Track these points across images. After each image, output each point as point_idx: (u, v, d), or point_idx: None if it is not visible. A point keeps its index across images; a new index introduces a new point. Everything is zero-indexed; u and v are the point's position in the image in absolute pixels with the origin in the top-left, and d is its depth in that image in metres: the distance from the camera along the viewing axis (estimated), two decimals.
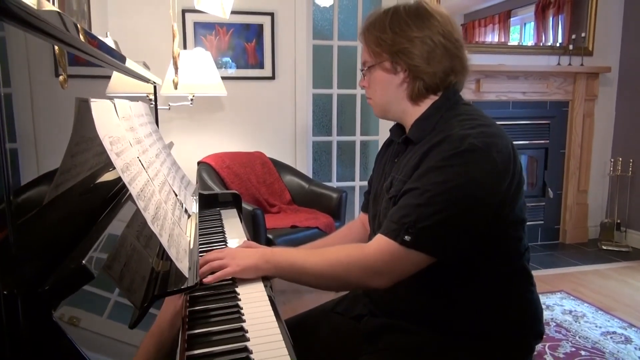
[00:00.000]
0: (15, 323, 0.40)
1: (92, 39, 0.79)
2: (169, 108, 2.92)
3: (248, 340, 0.76)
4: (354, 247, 0.99)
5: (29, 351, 0.41)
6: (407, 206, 0.91)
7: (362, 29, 1.07)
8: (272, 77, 3.23)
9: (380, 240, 0.92)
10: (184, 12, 3.00)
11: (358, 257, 0.94)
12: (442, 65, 0.99)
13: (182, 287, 0.69)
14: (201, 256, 1.16)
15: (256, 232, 2.35)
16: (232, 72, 3.16)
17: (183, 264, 0.73)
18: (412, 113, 1.03)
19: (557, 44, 3.71)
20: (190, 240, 0.94)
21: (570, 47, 3.63)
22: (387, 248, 0.90)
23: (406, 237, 0.88)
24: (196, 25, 3.06)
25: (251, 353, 0.72)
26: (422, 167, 0.92)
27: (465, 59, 1.03)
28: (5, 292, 0.39)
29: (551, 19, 3.71)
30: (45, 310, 0.43)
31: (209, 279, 0.94)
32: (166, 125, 3.03)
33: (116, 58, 1.02)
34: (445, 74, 1.00)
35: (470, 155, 0.88)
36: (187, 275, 0.71)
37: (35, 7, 0.52)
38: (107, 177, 0.85)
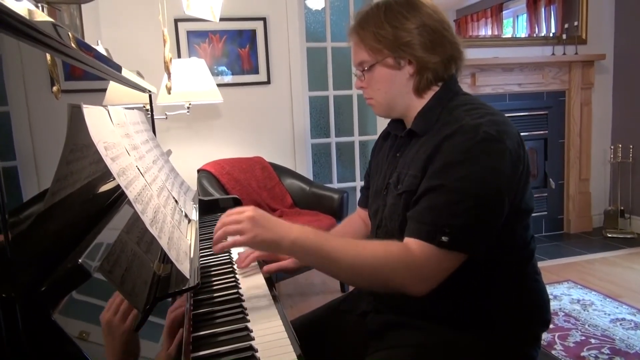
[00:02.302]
0: (14, 324, 0.40)
1: (87, 49, 0.79)
2: (166, 117, 2.93)
3: (253, 339, 0.76)
4: (398, 247, 0.90)
5: (29, 352, 0.41)
6: (437, 206, 0.87)
7: (353, 27, 1.03)
8: (268, 82, 3.24)
9: (421, 244, 0.87)
10: (176, 21, 3.02)
11: (404, 259, 0.88)
12: (444, 52, 0.98)
13: (184, 288, 0.69)
14: (202, 262, 1.16)
15: None
16: (228, 79, 3.17)
17: (184, 266, 0.73)
18: (416, 106, 1.02)
19: (551, 34, 3.71)
20: (190, 244, 0.94)
21: (564, 36, 3.63)
22: (429, 251, 0.86)
23: (443, 238, 0.85)
24: (189, 34, 3.07)
25: (256, 352, 0.72)
26: (438, 161, 0.90)
27: (460, 44, 1.02)
28: (3, 295, 0.39)
29: (543, 9, 3.72)
30: (43, 310, 0.43)
31: (216, 248, 0.88)
32: (164, 135, 3.03)
33: (112, 67, 1.03)
34: (448, 61, 0.99)
35: (488, 145, 0.87)
36: (188, 277, 0.71)
37: (27, 17, 0.53)
38: (105, 184, 0.86)
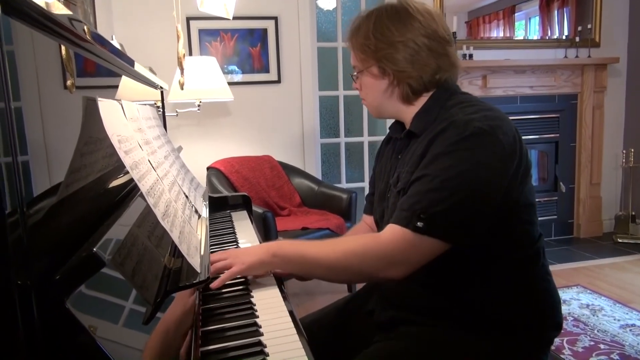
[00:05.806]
0: (30, 311, 0.41)
1: (102, 43, 0.80)
2: (177, 114, 2.94)
3: (262, 334, 0.76)
4: (368, 237, 0.97)
5: (43, 338, 0.41)
6: (418, 193, 0.89)
7: (347, 35, 1.07)
8: (278, 81, 3.24)
9: (394, 229, 0.90)
10: (188, 19, 3.03)
11: (372, 246, 0.92)
12: (428, 67, 0.99)
13: (194, 282, 0.69)
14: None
15: (267, 234, 2.35)
16: (238, 77, 3.18)
17: (194, 260, 0.74)
18: (407, 111, 1.04)
19: (563, 37, 3.68)
20: (201, 239, 0.95)
21: (577, 39, 3.60)
22: (402, 236, 0.89)
23: (418, 223, 0.87)
24: (201, 32, 3.09)
25: (265, 347, 0.72)
26: (429, 155, 0.92)
27: (453, 55, 1.02)
28: (19, 282, 0.40)
29: (556, 11, 3.69)
30: (57, 298, 0.43)
31: (215, 283, 0.92)
32: (174, 132, 3.05)
33: (125, 61, 1.04)
34: (432, 75, 1.00)
35: (477, 138, 0.88)
36: (199, 270, 0.72)
37: (45, 8, 0.53)
38: (118, 178, 0.86)
